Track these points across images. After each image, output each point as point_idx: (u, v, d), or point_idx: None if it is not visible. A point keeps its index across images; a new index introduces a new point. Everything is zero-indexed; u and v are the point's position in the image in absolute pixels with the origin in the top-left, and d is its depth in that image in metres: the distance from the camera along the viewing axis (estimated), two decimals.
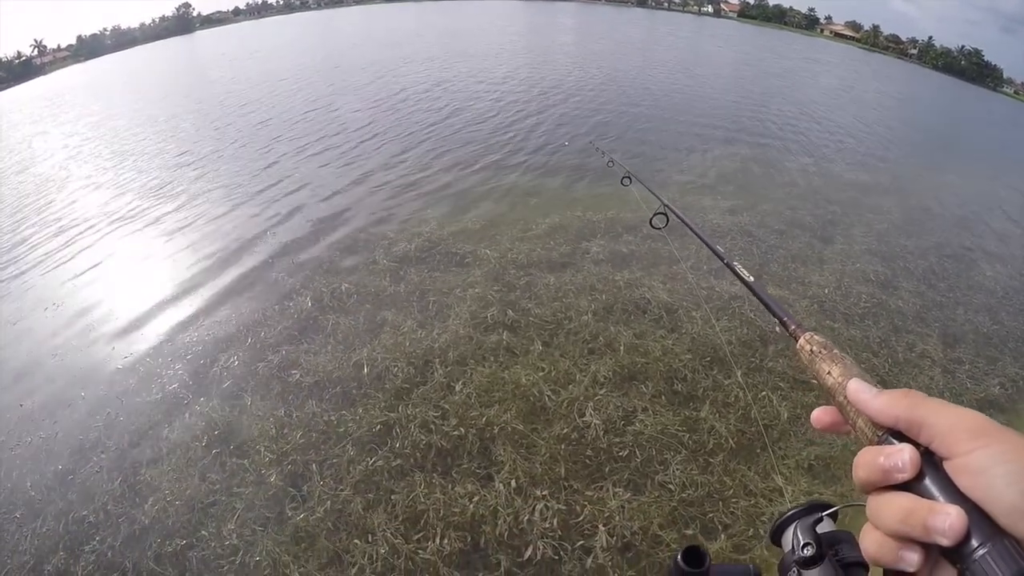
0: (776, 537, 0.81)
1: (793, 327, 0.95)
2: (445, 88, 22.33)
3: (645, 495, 4.68)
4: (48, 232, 11.84)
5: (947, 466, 0.55)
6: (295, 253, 9.07)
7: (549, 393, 5.62)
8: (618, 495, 4.64)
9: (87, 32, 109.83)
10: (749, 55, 47.43)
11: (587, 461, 4.96)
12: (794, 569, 0.74)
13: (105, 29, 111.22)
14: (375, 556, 4.24)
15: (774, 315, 1.07)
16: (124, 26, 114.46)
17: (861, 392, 0.67)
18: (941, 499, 0.53)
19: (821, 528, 0.78)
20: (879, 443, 0.63)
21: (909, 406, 0.60)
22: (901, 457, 0.57)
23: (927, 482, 0.55)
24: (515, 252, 8.45)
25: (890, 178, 15.02)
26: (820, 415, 0.75)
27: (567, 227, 9.33)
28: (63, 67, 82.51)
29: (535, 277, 7.78)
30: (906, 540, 0.55)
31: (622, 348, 6.26)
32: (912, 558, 0.55)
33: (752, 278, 1.33)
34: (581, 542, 4.32)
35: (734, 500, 4.67)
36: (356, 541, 4.36)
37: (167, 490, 4.89)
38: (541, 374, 5.87)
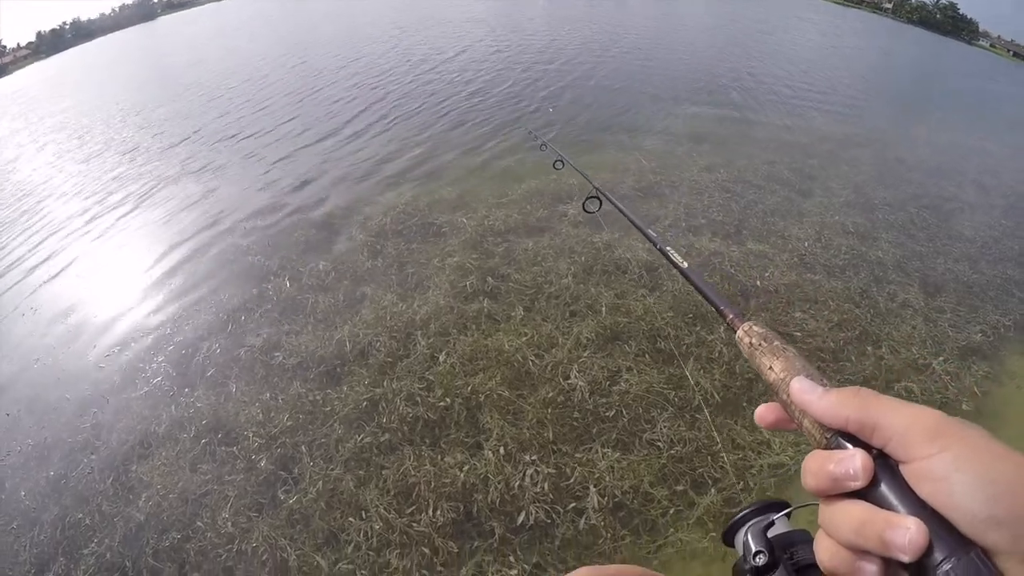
0: (728, 539, 0.78)
1: (731, 316, 0.89)
2: (411, 61, 22.01)
3: (634, 454, 4.70)
4: (16, 235, 11.64)
5: (904, 470, 0.52)
6: (270, 235, 9.00)
7: (533, 358, 5.61)
8: (607, 455, 4.65)
9: (46, 28, 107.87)
10: (722, 12, 47.03)
11: (574, 423, 4.97)
12: None
13: (65, 23, 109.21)
14: (370, 532, 4.26)
15: (710, 303, 1.00)
16: (84, 18, 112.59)
17: (805, 392, 0.63)
18: (899, 507, 0.51)
19: (777, 529, 0.74)
20: (828, 446, 0.60)
21: (859, 406, 0.57)
22: (852, 464, 0.54)
23: (883, 489, 0.52)
24: (492, 219, 8.41)
25: (867, 131, 14.94)
26: (763, 413, 0.71)
27: (543, 191, 9.26)
28: (25, 65, 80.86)
29: (513, 243, 7.76)
30: (863, 552, 0.52)
31: (604, 309, 6.25)
32: (870, 570, 0.52)
33: (686, 264, 1.25)
34: (573, 504, 4.34)
35: (722, 454, 4.69)
36: (350, 519, 4.37)
37: (159, 485, 4.88)
38: (524, 339, 5.86)
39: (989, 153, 14.78)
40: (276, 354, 6.11)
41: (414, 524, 4.27)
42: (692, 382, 5.30)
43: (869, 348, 5.86)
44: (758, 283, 6.83)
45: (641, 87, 17.34)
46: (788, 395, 0.65)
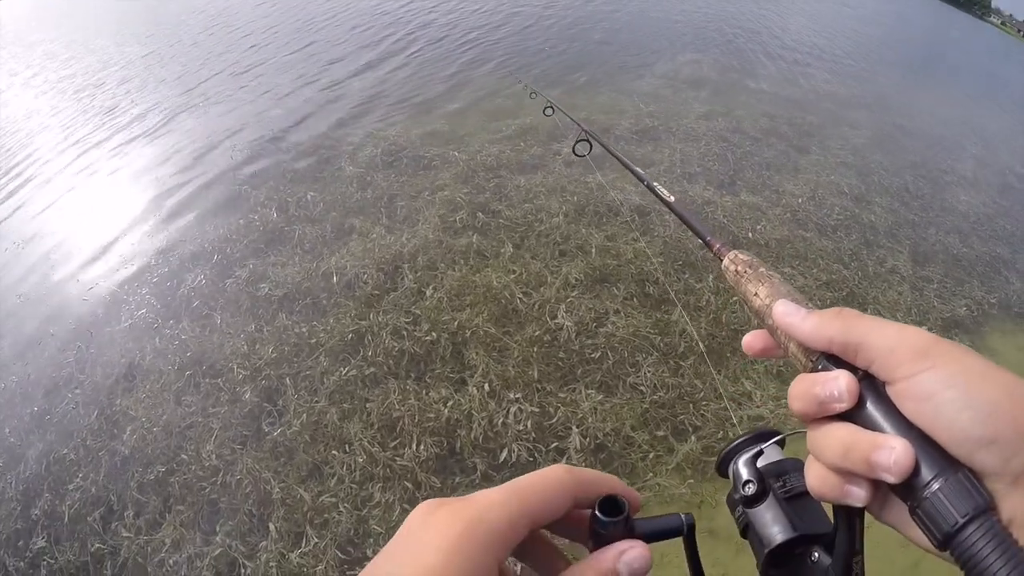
0: (722, 470, 0.74)
1: (717, 246, 0.89)
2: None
3: (617, 397, 4.73)
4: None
5: (890, 391, 0.51)
6: (258, 163, 8.83)
7: (520, 296, 5.60)
8: (591, 397, 4.67)
9: None
10: None
11: (560, 363, 4.98)
12: (740, 508, 0.68)
13: None
14: (353, 466, 4.28)
15: (697, 234, 1.02)
16: None
17: (789, 315, 0.61)
18: (886, 428, 0.50)
19: (768, 458, 0.71)
20: (813, 369, 0.59)
21: (843, 327, 0.55)
22: (837, 386, 0.53)
23: (869, 409, 0.51)
24: (484, 154, 8.30)
25: (870, 93, 14.82)
26: (751, 340, 0.70)
27: (538, 128, 9.13)
28: None
29: (505, 179, 7.67)
30: (851, 474, 0.51)
31: (594, 250, 6.23)
32: (858, 494, 0.51)
33: (672, 198, 1.27)
34: (555, 444, 4.36)
35: (704, 403, 4.73)
36: (334, 452, 4.38)
37: (144, 418, 4.86)
38: (512, 277, 5.84)
39: (990, 131, 14.76)
40: (262, 285, 6.04)
41: (397, 458, 4.29)
42: (692, 332, 5.32)
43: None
44: (750, 235, 6.82)
45: (644, 30, 17.02)
46: (772, 319, 0.64)
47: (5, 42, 26.15)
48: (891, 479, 0.47)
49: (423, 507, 0.51)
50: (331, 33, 16.44)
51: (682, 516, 0.63)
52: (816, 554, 0.61)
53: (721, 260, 0.84)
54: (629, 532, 0.55)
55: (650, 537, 0.57)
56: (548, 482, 0.53)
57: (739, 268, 0.78)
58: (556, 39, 15.06)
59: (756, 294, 0.71)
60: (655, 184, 1.42)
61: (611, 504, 0.55)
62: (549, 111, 4.63)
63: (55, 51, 20.47)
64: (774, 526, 0.64)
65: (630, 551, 0.52)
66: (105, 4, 29.45)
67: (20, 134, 12.93)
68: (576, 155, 2.94)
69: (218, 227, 7.25)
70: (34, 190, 9.89)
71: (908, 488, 0.46)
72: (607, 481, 0.58)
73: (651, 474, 4.22)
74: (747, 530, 0.67)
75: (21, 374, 5.74)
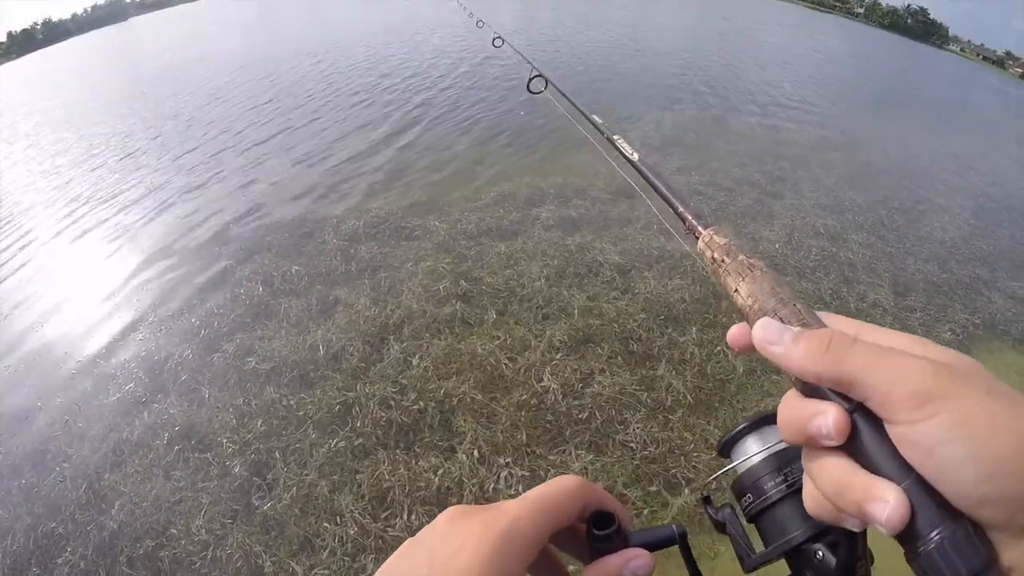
0: (724, 454, 0.69)
1: (690, 219, 0.77)
2: (384, 69, 21.85)
3: (607, 455, 4.75)
4: None
5: (889, 429, 0.45)
6: (242, 239, 8.91)
7: (506, 361, 5.65)
8: (581, 457, 4.71)
9: (16, 28, 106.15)
10: (693, 18, 47.34)
11: (548, 426, 5.01)
12: (749, 496, 0.64)
13: (36, 23, 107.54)
14: (345, 537, 4.27)
15: (667, 202, 0.88)
16: (55, 18, 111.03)
17: (771, 343, 0.54)
18: (882, 468, 0.45)
19: (772, 444, 0.65)
20: (803, 391, 0.52)
21: (833, 363, 0.48)
22: (825, 423, 0.48)
23: (864, 444, 0.47)
24: (465, 222, 8.41)
25: (838, 134, 15.19)
26: (736, 336, 0.60)
27: (515, 195, 9.29)
28: None
29: (486, 246, 7.77)
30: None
31: (576, 312, 6.31)
32: (855, 522, 0.47)
33: (636, 155, 1.11)
34: None
35: (695, 454, 4.75)
36: (325, 524, 4.37)
37: (133, 492, 4.83)
38: (497, 342, 5.90)
39: (958, 155, 15.15)
40: (249, 359, 6.07)
41: (389, 529, 4.29)
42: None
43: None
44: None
45: (617, 89, 17.46)
46: (753, 341, 0.57)
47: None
48: (884, 532, 0.43)
49: (452, 512, 0.54)
50: (312, 107, 16.71)
51: (674, 527, 0.64)
52: (820, 552, 0.58)
53: (697, 238, 0.74)
54: (624, 543, 0.59)
55: (646, 547, 0.60)
56: (564, 493, 0.57)
57: (715, 255, 0.69)
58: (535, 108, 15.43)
59: (736, 291, 0.63)
60: (617, 138, 1.27)
61: (603, 517, 0.59)
62: (498, 42, 4.61)
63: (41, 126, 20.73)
64: (790, 522, 0.60)
65: (636, 559, 0.56)
66: (91, 77, 29.87)
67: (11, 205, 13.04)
68: (531, 92, 2.92)
69: (205, 301, 7.30)
70: (21, 260, 9.97)
71: (905, 537, 0.43)
72: (606, 494, 0.61)
73: None
74: (756, 519, 0.64)
75: (8, 446, 5.72)
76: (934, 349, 0.50)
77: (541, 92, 2.86)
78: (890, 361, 0.46)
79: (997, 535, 0.41)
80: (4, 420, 6.10)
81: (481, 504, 0.54)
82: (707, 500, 0.72)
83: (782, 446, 0.64)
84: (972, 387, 0.43)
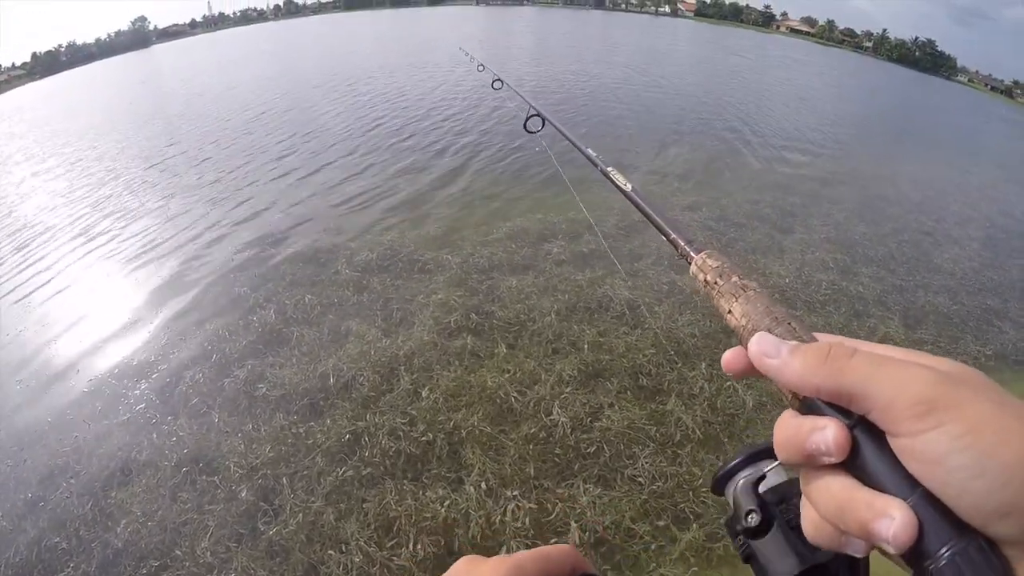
0: (719, 489, 0.68)
1: (683, 245, 0.79)
2: (397, 101, 22.09)
3: (616, 489, 4.73)
4: (6, 254, 11.60)
5: (892, 442, 0.44)
6: (257, 267, 8.99)
7: (515, 394, 5.66)
8: (589, 491, 4.68)
9: (41, 49, 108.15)
10: (704, 53, 47.82)
11: (556, 459, 5.00)
12: (741, 537, 0.62)
13: (60, 46, 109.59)
14: (350, 566, 4.25)
15: (659, 229, 0.89)
16: (80, 42, 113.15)
17: (767, 355, 0.53)
18: (886, 484, 0.43)
19: (770, 481, 0.64)
20: (801, 409, 0.51)
21: (832, 374, 0.47)
22: (824, 439, 0.46)
23: (867, 459, 0.45)
24: (477, 256, 8.46)
25: (848, 168, 15.25)
26: (731, 359, 0.59)
27: (528, 230, 9.35)
28: (18, 86, 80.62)
29: (497, 280, 7.80)
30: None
31: (586, 346, 6.32)
32: (858, 546, 0.45)
33: (630, 185, 1.13)
34: (555, 540, 4.32)
35: (704, 489, 4.71)
36: (330, 552, 4.36)
37: (139, 512, 4.85)
38: (507, 376, 5.91)
39: (970, 186, 15.19)
40: (260, 385, 6.10)
41: (394, 558, 4.28)
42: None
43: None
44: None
45: (633, 126, 17.58)
46: (749, 356, 0.56)
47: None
48: (891, 551, 0.41)
49: (467, 560, 0.60)
50: (327, 138, 17.01)
51: None
52: None
53: (690, 263, 0.76)
54: None
55: None
56: (559, 551, 0.62)
57: (708, 277, 0.70)
58: (550, 144, 15.44)
59: (730, 312, 0.63)
60: (611, 170, 1.31)
61: None
62: (498, 84, 4.65)
63: (57, 148, 21.01)
64: (781, 559, 0.58)
65: None
66: (111, 97, 30.32)
67: (32, 225, 13.19)
68: (528, 131, 2.92)
69: (217, 327, 7.35)
70: (37, 280, 10.07)
71: (913, 555, 0.41)
72: (591, 565, 0.65)
73: (654, 564, 4.20)
74: (750, 559, 0.62)
75: (17, 458, 5.76)
76: (935, 360, 0.48)
77: (538, 131, 2.87)
78: (892, 370, 0.45)
79: (1011, 550, 0.39)
80: (14, 433, 6.15)
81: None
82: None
83: (776, 480, 0.64)
84: (977, 395, 0.42)
